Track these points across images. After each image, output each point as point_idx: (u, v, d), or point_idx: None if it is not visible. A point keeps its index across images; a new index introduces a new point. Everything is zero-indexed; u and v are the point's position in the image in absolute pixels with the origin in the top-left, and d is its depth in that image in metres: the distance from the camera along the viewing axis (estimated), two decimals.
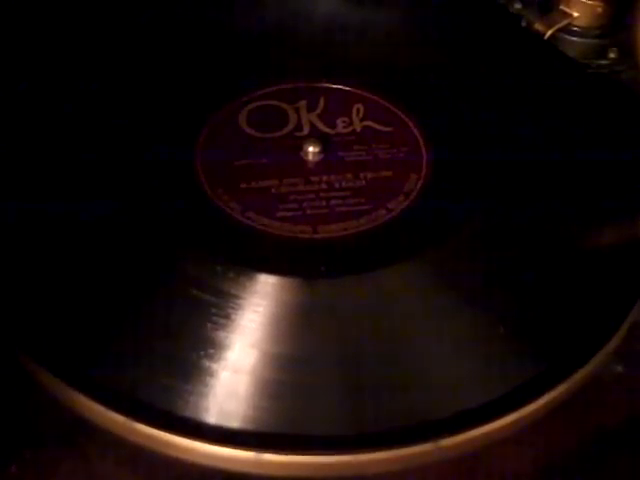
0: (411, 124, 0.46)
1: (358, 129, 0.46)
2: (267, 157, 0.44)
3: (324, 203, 0.42)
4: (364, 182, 0.43)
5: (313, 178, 0.43)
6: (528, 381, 0.37)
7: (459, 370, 0.37)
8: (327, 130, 0.45)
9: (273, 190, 0.42)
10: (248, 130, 0.45)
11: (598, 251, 0.42)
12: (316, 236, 0.41)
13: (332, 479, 0.35)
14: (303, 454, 0.35)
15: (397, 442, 0.35)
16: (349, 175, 0.43)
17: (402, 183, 0.43)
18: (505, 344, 0.38)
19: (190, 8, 0.51)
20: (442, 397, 0.36)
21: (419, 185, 0.43)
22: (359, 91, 0.47)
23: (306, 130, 0.45)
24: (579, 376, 0.37)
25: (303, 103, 0.47)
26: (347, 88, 0.48)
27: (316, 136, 0.45)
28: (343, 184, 0.43)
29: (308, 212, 0.42)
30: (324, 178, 0.43)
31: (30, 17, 0.51)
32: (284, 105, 0.47)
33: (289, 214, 0.41)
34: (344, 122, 0.46)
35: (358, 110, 0.47)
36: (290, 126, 0.46)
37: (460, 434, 0.35)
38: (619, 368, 0.39)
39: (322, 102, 0.47)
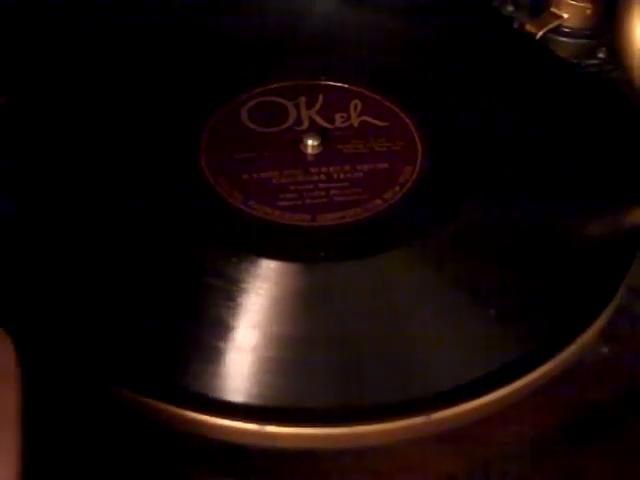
0: (407, 119, 0.48)
1: (356, 124, 0.47)
2: (268, 150, 0.46)
3: (323, 193, 0.44)
4: (361, 173, 0.45)
5: (312, 169, 0.45)
6: (517, 359, 0.39)
7: (451, 348, 0.39)
8: (326, 125, 0.47)
9: (274, 181, 0.44)
10: (250, 125, 0.47)
11: (585, 236, 0.44)
12: (315, 224, 0.42)
13: (330, 450, 0.37)
14: (302, 426, 0.37)
15: (391, 415, 0.37)
16: (347, 167, 0.45)
17: (397, 175, 0.45)
18: (496, 325, 0.40)
19: (192, 8, 0.53)
20: (435, 374, 0.38)
21: (414, 176, 0.45)
22: (357, 88, 0.49)
23: (305, 125, 0.47)
24: (565, 355, 0.39)
25: (303, 99, 0.49)
26: (345, 85, 0.49)
27: (315, 130, 0.46)
28: (341, 175, 0.45)
29: (307, 201, 0.43)
30: (323, 169, 0.45)
31: (30, 18, 0.53)
32: (284, 101, 0.48)
33: (289, 203, 0.43)
34: (342, 117, 0.48)
35: (356, 106, 0.48)
36: (290, 121, 0.47)
37: (451, 408, 0.37)
38: (605, 349, 0.41)
39: (321, 99, 0.49)
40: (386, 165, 0.45)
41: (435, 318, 0.40)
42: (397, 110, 0.48)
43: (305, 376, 0.38)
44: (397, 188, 0.44)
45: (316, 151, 0.46)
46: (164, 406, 0.37)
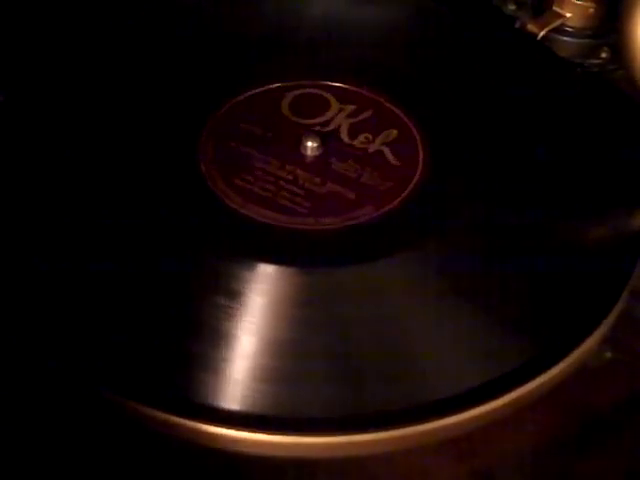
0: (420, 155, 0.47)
1: (371, 150, 0.47)
2: (270, 145, 0.46)
3: (286, 194, 0.44)
4: (324, 191, 0.44)
5: (288, 167, 0.45)
6: (521, 365, 0.39)
7: (452, 356, 0.39)
8: (344, 138, 0.47)
9: (259, 172, 0.45)
10: (286, 113, 0.48)
11: (588, 241, 0.44)
12: (260, 219, 0.43)
13: (329, 459, 0.37)
14: (301, 435, 0.37)
15: (391, 423, 0.37)
16: (318, 179, 0.45)
17: (355, 210, 0.44)
18: (496, 332, 0.40)
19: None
20: (436, 381, 0.38)
21: (363, 219, 0.44)
22: (408, 120, 0.48)
23: (329, 128, 0.47)
24: (570, 360, 0.39)
25: (352, 107, 0.49)
26: (400, 113, 0.49)
27: (321, 136, 0.46)
28: (306, 184, 0.45)
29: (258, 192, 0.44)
30: (298, 172, 0.45)
31: (29, 18, 0.53)
32: (332, 100, 0.49)
33: (264, 194, 0.44)
34: (367, 139, 0.47)
35: (388, 135, 0.48)
36: (319, 119, 0.48)
37: (455, 415, 0.37)
38: (608, 354, 0.41)
39: (367, 114, 0.48)
40: (353, 196, 0.45)
41: (436, 325, 0.40)
42: (421, 155, 0.47)
43: (303, 384, 0.38)
44: (341, 220, 0.43)
45: (314, 153, 0.46)
46: (160, 414, 0.37)
